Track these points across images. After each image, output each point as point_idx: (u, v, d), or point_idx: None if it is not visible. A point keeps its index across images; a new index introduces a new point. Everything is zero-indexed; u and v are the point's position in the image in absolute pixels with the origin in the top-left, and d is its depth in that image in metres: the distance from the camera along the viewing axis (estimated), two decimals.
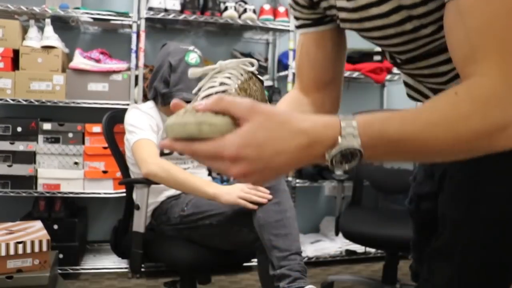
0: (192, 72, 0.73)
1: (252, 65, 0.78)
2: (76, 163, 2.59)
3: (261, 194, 1.58)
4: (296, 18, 0.94)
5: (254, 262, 2.83)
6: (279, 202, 1.58)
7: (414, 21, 0.74)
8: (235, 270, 2.87)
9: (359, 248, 2.98)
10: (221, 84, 0.70)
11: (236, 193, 1.59)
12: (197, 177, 1.77)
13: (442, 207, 0.81)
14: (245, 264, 2.84)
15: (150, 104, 1.90)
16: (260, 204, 1.57)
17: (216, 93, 0.67)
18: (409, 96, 1.06)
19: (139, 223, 1.68)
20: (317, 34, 0.94)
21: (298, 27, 0.95)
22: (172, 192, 1.84)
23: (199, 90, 0.71)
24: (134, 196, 1.88)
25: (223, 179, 2.83)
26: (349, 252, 3.02)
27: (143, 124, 1.78)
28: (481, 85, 0.60)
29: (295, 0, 0.91)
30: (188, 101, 1.98)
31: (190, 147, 0.58)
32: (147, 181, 1.67)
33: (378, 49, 3.25)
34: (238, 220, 1.60)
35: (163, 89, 1.84)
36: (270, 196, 1.58)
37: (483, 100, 0.59)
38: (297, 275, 1.48)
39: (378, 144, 0.59)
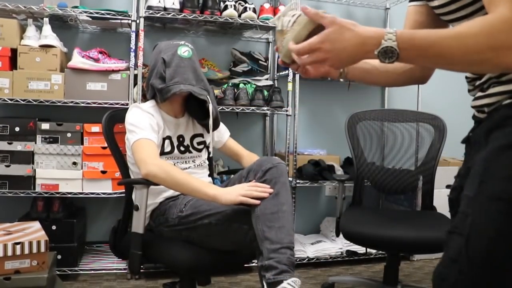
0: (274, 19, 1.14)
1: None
2: (74, 163, 2.58)
3: (261, 189, 1.58)
4: None
5: (254, 263, 2.83)
6: (278, 194, 1.58)
7: None
8: (235, 271, 2.86)
9: (360, 249, 2.97)
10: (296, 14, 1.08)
11: (237, 191, 1.59)
12: (197, 178, 1.75)
13: (465, 189, 0.97)
14: (245, 265, 2.84)
15: (151, 103, 1.89)
16: (261, 199, 1.57)
17: (299, 15, 1.06)
18: None
19: (138, 224, 1.66)
20: (416, 7, 1.23)
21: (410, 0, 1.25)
22: (170, 193, 1.83)
23: (282, 17, 1.11)
24: (134, 196, 1.87)
25: (223, 179, 2.82)
26: (350, 253, 3.00)
27: (143, 124, 1.76)
28: (492, 16, 0.86)
29: None
30: (186, 93, 1.95)
31: (296, 47, 0.98)
32: (146, 182, 1.66)
33: None
34: (237, 218, 1.59)
35: (160, 84, 1.82)
36: (271, 190, 1.58)
37: (490, 24, 0.85)
38: (284, 268, 1.47)
39: (409, 47, 0.90)
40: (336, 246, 3.05)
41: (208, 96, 1.88)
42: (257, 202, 1.56)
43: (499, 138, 0.94)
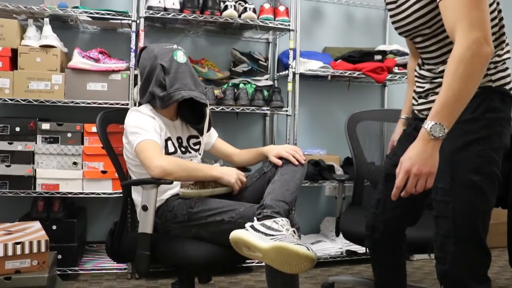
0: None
1: None
2: (75, 163, 2.58)
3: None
4: None
5: (254, 262, 2.83)
6: (294, 174, 1.78)
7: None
8: (235, 270, 2.87)
9: (359, 249, 2.97)
10: None
11: (234, 175, 1.81)
12: (198, 163, 1.87)
13: (437, 182, 1.29)
14: (244, 264, 2.84)
15: (148, 107, 1.89)
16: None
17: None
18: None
19: (146, 224, 1.64)
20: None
21: None
22: (176, 189, 1.83)
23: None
24: (134, 197, 1.87)
25: None
26: (349, 253, 3.00)
27: (146, 126, 1.77)
28: (456, 50, 1.20)
29: None
30: (188, 99, 1.99)
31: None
32: (156, 181, 1.65)
33: (379, 48, 3.25)
34: (250, 216, 1.60)
35: (161, 92, 1.83)
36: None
37: (458, 58, 1.19)
38: (276, 210, 1.59)
39: (450, 118, 1.21)
40: (336, 246, 3.06)
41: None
42: (277, 162, 1.82)
43: (453, 139, 1.28)
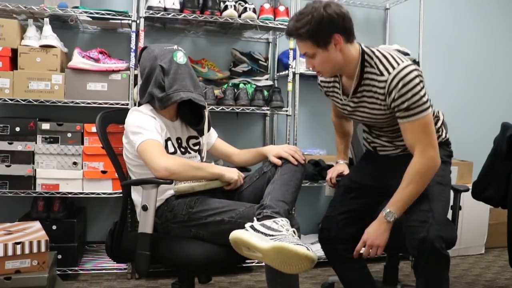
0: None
1: None
2: (75, 163, 2.58)
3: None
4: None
5: (254, 262, 2.83)
6: (294, 174, 1.79)
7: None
8: (235, 270, 2.87)
9: None
10: None
11: (235, 173, 1.86)
12: (201, 163, 1.89)
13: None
14: (244, 264, 2.84)
15: (148, 107, 1.89)
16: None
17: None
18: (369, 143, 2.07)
19: (146, 224, 1.65)
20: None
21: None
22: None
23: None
24: (134, 197, 1.86)
25: None
26: None
27: (147, 125, 1.76)
28: (412, 166, 1.68)
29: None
30: (187, 100, 1.98)
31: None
32: (155, 181, 1.65)
33: None
34: (250, 216, 1.59)
35: (160, 93, 1.82)
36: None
37: (415, 173, 1.67)
38: (276, 211, 1.59)
39: (398, 209, 1.70)
40: None
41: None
42: (277, 162, 1.84)
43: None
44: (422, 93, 1.64)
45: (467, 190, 2.07)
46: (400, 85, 1.63)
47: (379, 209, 1.77)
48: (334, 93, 1.90)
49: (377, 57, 1.71)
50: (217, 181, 1.84)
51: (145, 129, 1.74)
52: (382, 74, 1.67)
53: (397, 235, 1.83)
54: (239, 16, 2.80)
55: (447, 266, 1.65)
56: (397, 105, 1.65)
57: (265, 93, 2.88)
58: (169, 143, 1.87)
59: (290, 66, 2.91)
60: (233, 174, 1.84)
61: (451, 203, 1.97)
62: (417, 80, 1.64)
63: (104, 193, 2.62)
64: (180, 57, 1.88)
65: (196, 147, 2.00)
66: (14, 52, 2.52)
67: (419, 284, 1.67)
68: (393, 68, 1.65)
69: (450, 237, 1.90)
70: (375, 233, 1.71)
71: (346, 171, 2.15)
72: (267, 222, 1.52)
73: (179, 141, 1.93)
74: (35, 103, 2.52)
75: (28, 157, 2.53)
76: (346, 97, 1.82)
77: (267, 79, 3.11)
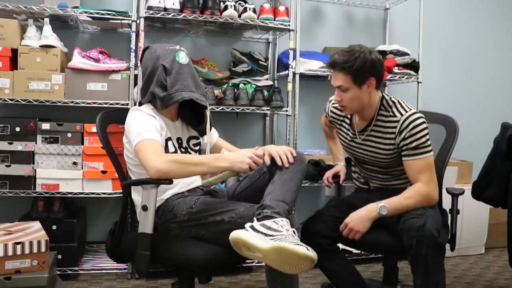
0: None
1: None
2: (75, 163, 2.58)
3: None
4: None
5: (254, 262, 2.83)
6: (294, 174, 1.74)
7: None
8: (235, 270, 2.87)
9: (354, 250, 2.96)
10: None
11: (246, 160, 1.67)
12: (201, 156, 1.78)
13: None
14: (244, 264, 2.84)
15: (149, 106, 1.89)
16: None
17: None
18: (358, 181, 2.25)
19: (146, 224, 1.64)
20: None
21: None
22: (176, 189, 1.84)
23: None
24: (134, 197, 1.86)
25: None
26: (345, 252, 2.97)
27: (146, 125, 1.76)
28: (418, 187, 1.90)
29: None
30: (188, 101, 1.97)
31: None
32: (156, 181, 1.65)
33: (379, 48, 3.25)
34: (251, 216, 1.60)
35: (161, 93, 1.83)
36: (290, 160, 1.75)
37: (419, 194, 1.89)
38: (276, 211, 1.57)
39: (391, 209, 1.87)
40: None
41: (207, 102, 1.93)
42: (267, 161, 1.74)
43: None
44: (427, 137, 1.89)
45: (462, 192, 2.06)
46: (410, 126, 1.87)
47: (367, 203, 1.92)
48: (342, 127, 2.10)
49: (393, 102, 1.95)
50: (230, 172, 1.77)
51: (144, 128, 1.74)
52: (395, 116, 1.91)
53: (394, 236, 1.87)
54: (239, 16, 2.80)
55: (443, 255, 1.75)
56: (406, 144, 1.88)
57: (265, 93, 2.88)
58: (170, 143, 1.87)
59: (290, 66, 2.91)
60: (242, 164, 1.67)
61: (449, 206, 2.03)
62: (424, 125, 1.89)
63: (104, 193, 2.62)
64: (183, 57, 1.88)
65: (197, 148, 2.00)
66: (14, 52, 2.52)
67: (419, 273, 1.72)
68: (406, 111, 1.90)
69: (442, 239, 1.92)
70: (359, 219, 1.86)
71: (342, 171, 2.31)
72: (267, 222, 1.52)
73: (180, 141, 1.93)
74: (35, 103, 2.52)
75: (28, 157, 2.53)
76: (354, 133, 2.03)
77: (267, 79, 3.11)
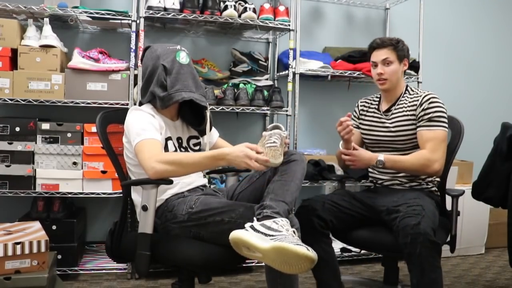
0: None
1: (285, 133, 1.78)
2: (75, 163, 2.58)
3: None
4: None
5: (254, 263, 2.83)
6: (294, 174, 1.72)
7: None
8: (235, 270, 2.86)
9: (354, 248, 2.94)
10: (274, 142, 1.70)
11: (243, 161, 1.60)
12: (200, 154, 1.72)
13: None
14: (244, 264, 2.84)
15: (149, 106, 1.89)
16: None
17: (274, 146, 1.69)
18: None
19: (146, 224, 1.65)
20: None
21: None
22: (176, 189, 1.83)
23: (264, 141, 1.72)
24: (134, 197, 1.86)
25: (223, 180, 2.82)
26: (344, 250, 2.95)
27: (146, 124, 1.76)
28: (422, 153, 2.05)
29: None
30: (188, 101, 1.94)
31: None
32: (154, 181, 1.65)
33: None
34: (250, 216, 1.59)
35: (161, 92, 1.82)
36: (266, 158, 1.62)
37: (421, 157, 2.04)
38: (276, 211, 1.56)
39: (388, 161, 2.09)
40: (336, 246, 3.02)
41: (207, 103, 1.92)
42: (265, 159, 1.60)
43: (414, 193, 2.05)
44: (443, 115, 2.09)
45: (462, 193, 2.06)
46: (430, 100, 2.09)
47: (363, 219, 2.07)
48: (369, 112, 2.31)
49: (416, 89, 2.24)
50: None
51: (143, 128, 1.74)
52: (417, 94, 2.17)
53: (392, 235, 1.88)
54: (239, 16, 2.80)
55: (439, 253, 1.79)
56: (422, 114, 2.08)
57: (265, 93, 2.88)
58: (170, 142, 1.87)
59: (290, 66, 2.91)
60: (240, 163, 1.61)
61: (448, 208, 2.06)
62: (442, 105, 2.11)
63: (104, 193, 2.62)
64: (183, 57, 1.88)
65: (197, 147, 2.00)
66: (14, 52, 2.52)
67: (414, 272, 1.75)
68: (428, 92, 2.16)
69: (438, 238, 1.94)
70: (362, 160, 2.10)
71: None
72: (267, 222, 1.51)
73: (180, 140, 1.93)
74: (35, 103, 2.52)
75: (28, 157, 2.53)
76: (381, 114, 2.25)
77: (267, 79, 3.11)
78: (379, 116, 2.24)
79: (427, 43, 3.43)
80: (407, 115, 2.13)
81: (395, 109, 2.20)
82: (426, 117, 2.07)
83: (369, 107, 2.32)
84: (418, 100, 2.12)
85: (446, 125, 2.07)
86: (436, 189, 2.18)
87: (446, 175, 2.12)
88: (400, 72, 2.17)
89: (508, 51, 3.98)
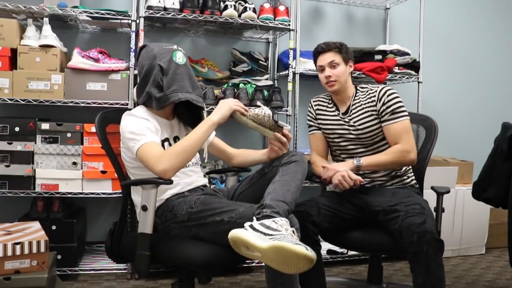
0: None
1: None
2: (74, 163, 2.58)
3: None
4: None
5: (254, 263, 2.82)
6: (295, 174, 1.77)
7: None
8: (235, 270, 2.86)
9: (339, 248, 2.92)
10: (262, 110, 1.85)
11: (229, 103, 1.80)
12: (195, 130, 1.76)
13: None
14: (244, 264, 2.83)
15: (142, 108, 1.87)
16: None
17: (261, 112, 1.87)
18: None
19: (146, 224, 1.65)
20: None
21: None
22: (176, 189, 1.83)
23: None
24: (134, 197, 1.86)
25: (223, 180, 2.82)
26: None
27: (142, 129, 1.74)
28: (396, 147, 2.11)
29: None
30: (184, 101, 1.94)
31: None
32: (154, 181, 1.65)
33: (379, 48, 3.24)
34: (250, 216, 1.59)
35: (158, 93, 1.81)
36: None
37: (397, 151, 2.10)
38: (276, 210, 1.57)
39: (365, 162, 2.12)
40: (336, 246, 3.03)
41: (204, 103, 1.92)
42: (246, 109, 1.84)
43: (404, 192, 2.12)
44: (402, 104, 2.15)
45: (448, 191, 2.09)
46: (387, 93, 2.16)
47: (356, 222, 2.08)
48: (327, 113, 2.31)
49: (365, 86, 2.28)
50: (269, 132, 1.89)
51: (139, 134, 1.72)
52: (371, 89, 2.22)
53: (389, 236, 1.90)
54: (239, 16, 2.80)
55: (442, 251, 1.82)
56: (384, 109, 2.13)
57: (265, 93, 2.88)
58: (166, 144, 1.85)
59: (290, 66, 2.91)
60: (225, 111, 1.78)
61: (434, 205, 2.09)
62: (398, 95, 2.17)
63: (103, 193, 2.61)
64: (180, 57, 1.87)
65: None
66: (14, 52, 2.51)
67: (419, 270, 1.76)
68: (379, 86, 2.22)
69: None
70: (338, 167, 2.11)
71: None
72: (266, 222, 1.51)
73: (177, 139, 1.92)
74: (34, 103, 2.52)
75: (27, 157, 2.53)
76: (339, 113, 2.26)
77: (267, 79, 3.11)
78: (340, 118, 2.25)
79: (427, 43, 3.43)
80: (368, 111, 2.17)
81: (353, 108, 2.22)
82: (388, 110, 2.12)
83: (325, 109, 2.31)
84: (375, 96, 2.17)
85: (407, 113, 2.14)
86: (415, 182, 2.23)
87: (423, 173, 2.23)
88: (347, 73, 2.21)
89: (508, 51, 3.98)
